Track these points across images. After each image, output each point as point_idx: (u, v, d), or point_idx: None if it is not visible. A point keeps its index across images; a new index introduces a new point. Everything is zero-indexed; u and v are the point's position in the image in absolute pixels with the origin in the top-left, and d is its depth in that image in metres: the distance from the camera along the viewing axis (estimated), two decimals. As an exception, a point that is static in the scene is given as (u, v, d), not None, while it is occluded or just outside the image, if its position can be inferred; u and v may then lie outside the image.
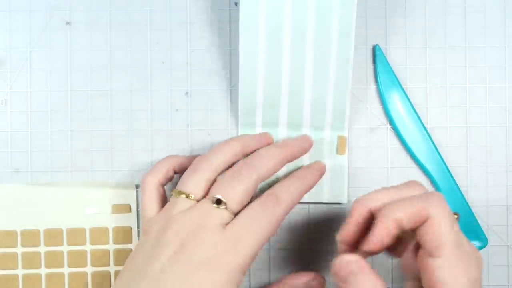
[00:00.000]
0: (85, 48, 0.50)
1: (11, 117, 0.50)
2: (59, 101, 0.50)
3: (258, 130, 0.49)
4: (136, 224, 0.49)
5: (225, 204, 0.41)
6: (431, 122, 0.50)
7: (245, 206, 0.42)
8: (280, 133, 0.49)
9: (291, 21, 0.46)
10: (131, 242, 0.49)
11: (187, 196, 0.42)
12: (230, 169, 0.43)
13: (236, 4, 0.50)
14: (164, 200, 0.45)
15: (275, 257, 0.50)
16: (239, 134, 0.49)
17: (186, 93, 0.50)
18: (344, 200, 0.48)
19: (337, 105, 0.48)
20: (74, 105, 0.50)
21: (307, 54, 0.47)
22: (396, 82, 0.50)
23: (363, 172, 0.50)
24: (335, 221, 0.50)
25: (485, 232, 0.50)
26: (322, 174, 0.47)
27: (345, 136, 0.49)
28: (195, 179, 0.42)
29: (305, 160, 0.48)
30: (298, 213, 0.50)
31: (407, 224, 0.37)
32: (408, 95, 0.50)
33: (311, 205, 0.50)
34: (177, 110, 0.50)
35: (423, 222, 0.37)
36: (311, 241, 0.50)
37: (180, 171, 0.46)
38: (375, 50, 0.50)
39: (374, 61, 0.50)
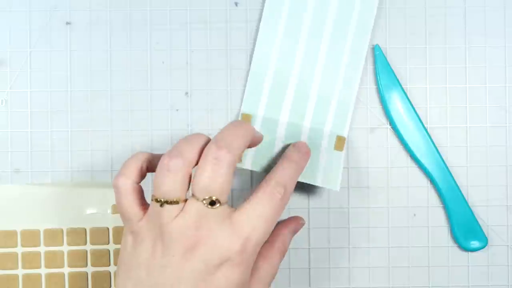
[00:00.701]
0: (85, 48, 0.50)
1: (11, 117, 0.50)
2: (59, 101, 0.50)
3: (260, 112, 0.49)
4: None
5: (218, 201, 0.39)
6: (431, 122, 0.50)
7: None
8: (281, 120, 0.49)
9: (312, 12, 0.49)
10: (131, 242, 0.49)
11: (171, 203, 0.39)
12: (205, 160, 0.39)
13: (236, 4, 0.50)
14: (143, 198, 0.42)
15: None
16: (241, 113, 0.49)
17: (186, 93, 0.50)
18: (336, 187, 0.47)
19: (342, 104, 0.49)
20: (74, 105, 0.50)
21: (322, 49, 0.49)
22: (396, 82, 0.49)
23: (363, 172, 0.50)
24: (335, 221, 0.50)
25: (485, 232, 0.50)
26: (309, 157, 0.46)
27: (345, 137, 0.49)
28: (172, 183, 0.38)
29: None
30: (298, 213, 0.50)
31: None
32: (408, 95, 0.50)
33: (311, 206, 0.50)
34: (177, 110, 0.50)
35: None
36: (311, 241, 0.50)
37: (151, 168, 0.42)
38: (375, 50, 0.50)
39: (374, 61, 0.50)
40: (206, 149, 0.39)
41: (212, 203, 0.38)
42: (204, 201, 0.38)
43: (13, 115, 0.50)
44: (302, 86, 0.49)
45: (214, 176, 0.38)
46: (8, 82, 0.50)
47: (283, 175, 0.42)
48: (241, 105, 0.49)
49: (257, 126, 0.49)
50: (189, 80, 0.50)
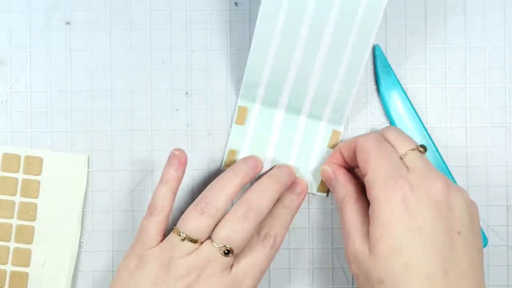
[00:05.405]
0: (85, 48, 0.50)
1: (11, 117, 0.50)
2: (59, 101, 0.50)
3: (257, 107, 0.48)
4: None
5: (232, 251, 0.42)
6: (431, 122, 0.50)
7: None
8: (278, 115, 0.49)
9: (314, 7, 0.44)
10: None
11: (191, 241, 0.42)
12: (234, 213, 0.43)
13: (236, 4, 0.50)
14: (165, 231, 0.44)
15: (275, 257, 0.50)
16: (237, 105, 0.49)
17: (186, 93, 0.50)
18: (324, 193, 0.48)
19: (340, 99, 0.47)
20: (74, 105, 0.50)
21: (323, 43, 0.45)
22: (396, 82, 0.49)
23: (363, 172, 0.50)
24: (336, 221, 0.50)
25: (485, 232, 0.50)
26: (304, 197, 0.48)
27: (340, 131, 0.49)
28: (200, 225, 0.42)
29: (294, 148, 0.48)
30: (299, 213, 0.50)
31: (345, 153, 0.46)
32: (408, 95, 0.50)
33: (311, 206, 0.50)
34: (177, 110, 0.50)
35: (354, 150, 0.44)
36: (312, 241, 0.50)
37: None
38: (375, 50, 0.50)
39: (374, 61, 0.50)
40: (239, 202, 0.43)
41: (227, 252, 0.41)
42: (220, 249, 0.42)
43: (13, 115, 0.50)
44: (300, 82, 0.47)
45: (237, 230, 0.42)
46: (8, 82, 0.50)
47: (276, 223, 0.45)
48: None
49: (253, 119, 0.48)
50: (189, 80, 0.50)
